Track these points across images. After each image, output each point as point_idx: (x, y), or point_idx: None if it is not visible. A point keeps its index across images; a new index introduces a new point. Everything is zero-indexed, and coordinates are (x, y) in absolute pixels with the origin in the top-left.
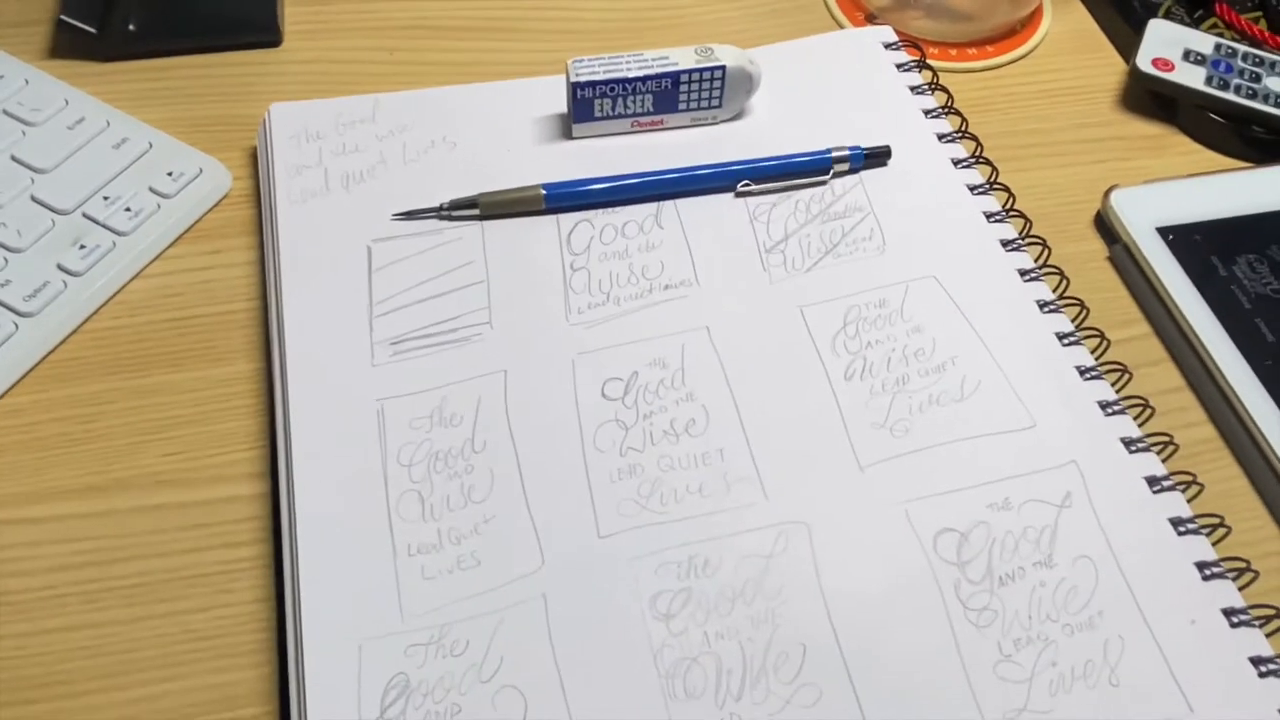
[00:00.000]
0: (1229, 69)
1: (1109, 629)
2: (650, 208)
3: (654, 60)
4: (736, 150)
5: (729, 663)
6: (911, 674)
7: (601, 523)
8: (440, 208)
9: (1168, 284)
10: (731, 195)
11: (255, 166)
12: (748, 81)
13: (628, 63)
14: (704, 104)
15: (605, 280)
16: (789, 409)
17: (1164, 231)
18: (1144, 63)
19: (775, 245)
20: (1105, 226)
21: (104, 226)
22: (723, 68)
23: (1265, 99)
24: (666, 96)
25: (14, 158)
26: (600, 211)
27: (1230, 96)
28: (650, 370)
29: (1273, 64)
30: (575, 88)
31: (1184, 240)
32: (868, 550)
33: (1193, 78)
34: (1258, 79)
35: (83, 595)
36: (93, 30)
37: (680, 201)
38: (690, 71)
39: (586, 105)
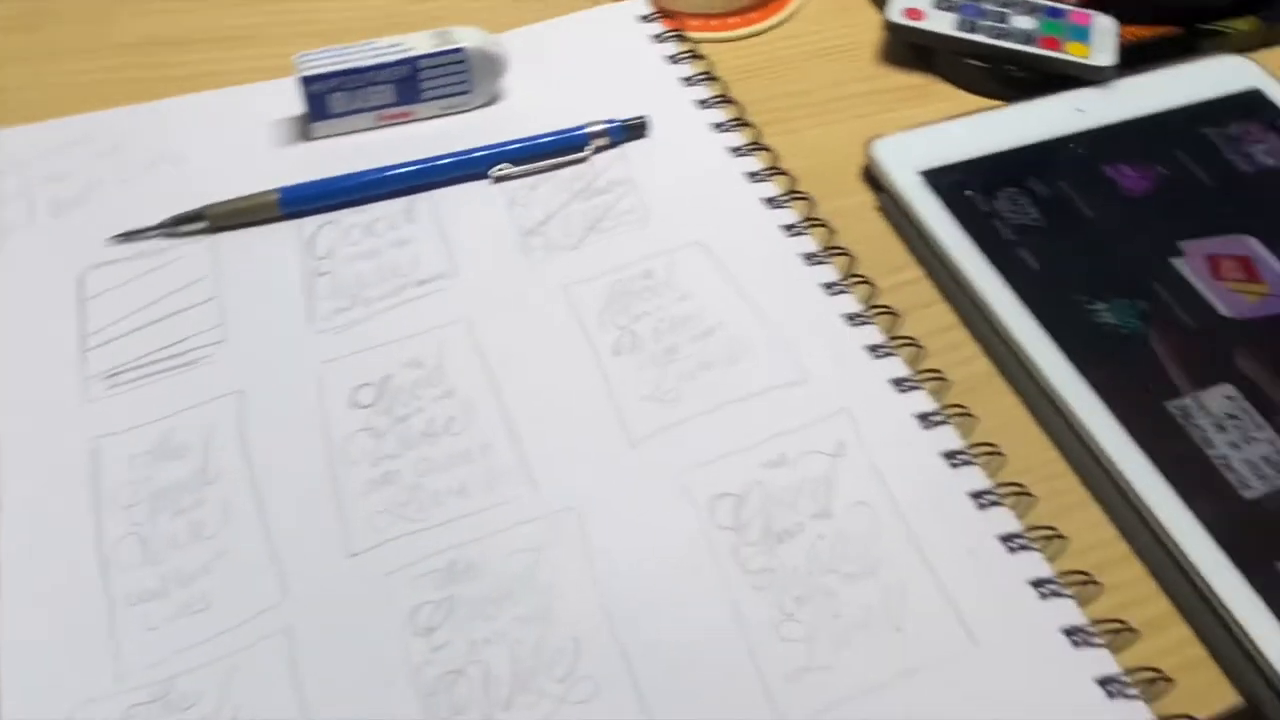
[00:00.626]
0: (977, 12)
1: (889, 573)
2: (401, 203)
3: (388, 48)
4: (494, 136)
5: (497, 670)
6: (691, 649)
7: (353, 540)
8: (162, 224)
9: (932, 225)
10: (488, 182)
11: None
12: (493, 63)
13: (359, 53)
14: (451, 90)
15: (353, 282)
16: (555, 393)
17: (925, 175)
18: (895, 14)
19: (536, 227)
20: (872, 177)
21: None
22: (462, 50)
23: (1013, 38)
24: (408, 85)
25: None
26: (347, 212)
27: (980, 39)
28: (405, 371)
29: (1017, 3)
30: (306, 83)
31: (945, 181)
32: (641, 528)
33: (943, 24)
34: (1004, 19)
35: None
36: None
37: (434, 193)
38: (428, 56)
39: (321, 101)
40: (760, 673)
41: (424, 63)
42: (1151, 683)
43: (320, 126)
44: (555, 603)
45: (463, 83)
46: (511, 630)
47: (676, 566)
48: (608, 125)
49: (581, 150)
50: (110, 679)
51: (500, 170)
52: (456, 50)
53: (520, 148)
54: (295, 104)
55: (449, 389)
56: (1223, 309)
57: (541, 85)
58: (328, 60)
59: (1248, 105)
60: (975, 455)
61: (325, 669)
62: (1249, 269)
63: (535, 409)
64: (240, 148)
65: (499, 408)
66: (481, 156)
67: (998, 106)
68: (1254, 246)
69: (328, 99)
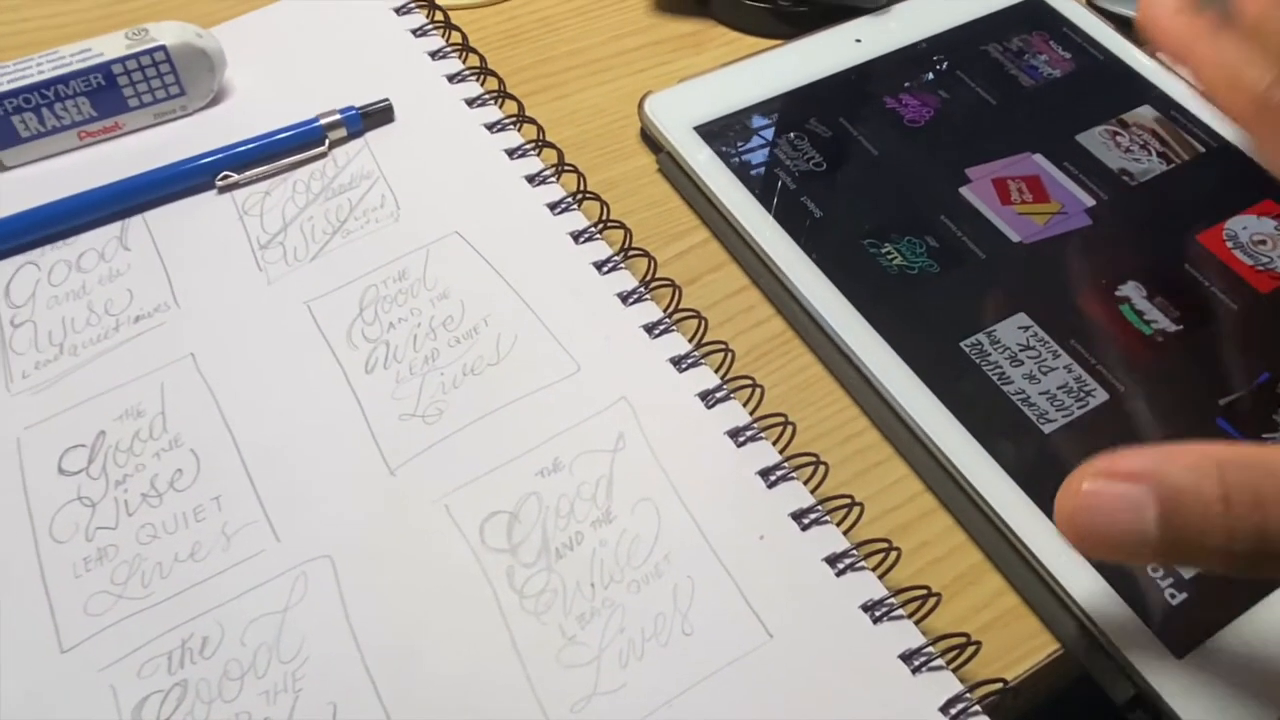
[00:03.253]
0: None
1: (677, 572)
2: (113, 229)
3: (74, 55)
4: (221, 140)
5: None
6: (465, 696)
7: (64, 633)
8: None
9: (711, 183)
10: (214, 193)
11: None
12: (204, 59)
13: (38, 65)
14: (162, 95)
15: (57, 330)
16: (301, 426)
17: (701, 129)
18: None
19: (273, 239)
20: (650, 137)
21: None
22: (163, 48)
23: None
24: (107, 95)
25: None
26: (49, 248)
27: None
28: (122, 424)
29: None
30: None
31: (721, 134)
32: (405, 567)
33: None
34: None
35: None
36: None
37: (150, 214)
38: (123, 60)
39: (6, 125)
40: (544, 710)
41: (120, 67)
42: (960, 650)
43: (10, 154)
44: (306, 668)
45: (173, 84)
46: (256, 708)
47: (446, 604)
48: (344, 114)
49: (318, 145)
50: None
51: (226, 178)
52: (157, 49)
53: (246, 150)
54: None
55: (174, 438)
56: (1013, 235)
57: (269, 78)
58: (2, 79)
59: (1029, 15)
60: (763, 429)
61: None
62: (1036, 188)
63: (277, 448)
64: None
65: (235, 452)
66: (201, 165)
67: (771, 46)
68: (1040, 163)
69: (12, 122)
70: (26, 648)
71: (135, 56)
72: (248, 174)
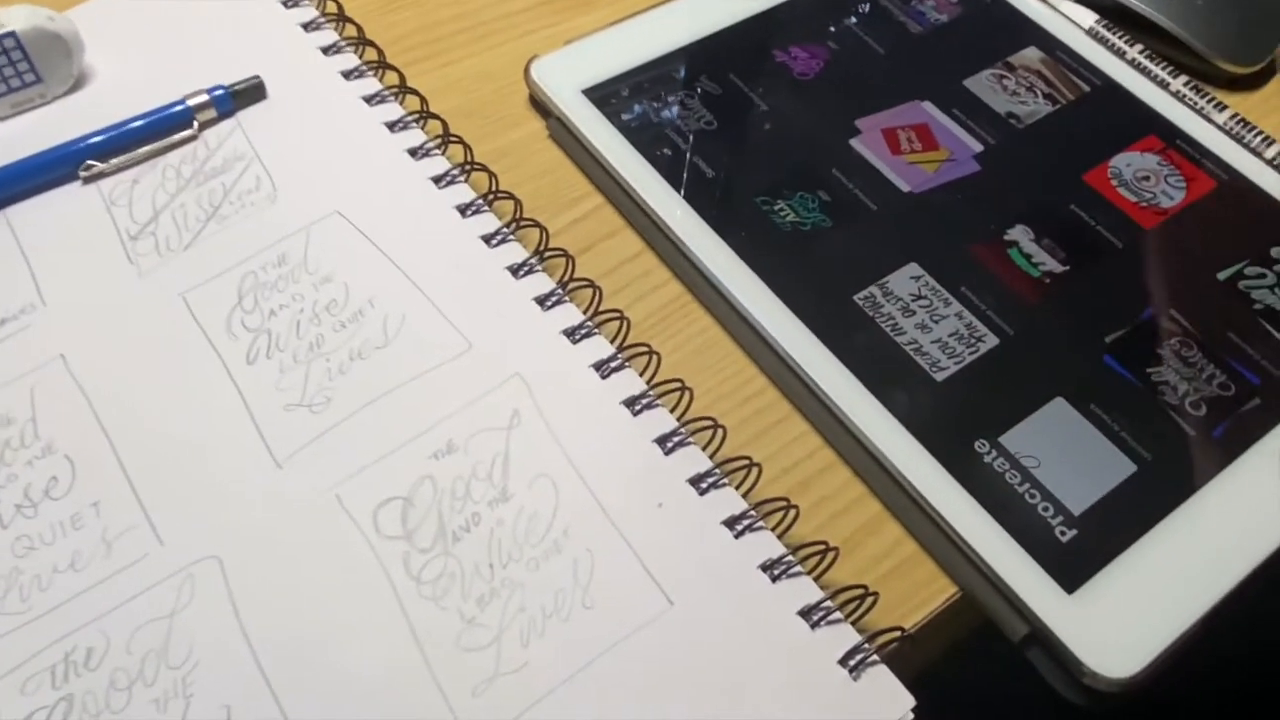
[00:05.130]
0: None
1: (576, 546)
2: None
3: None
4: (86, 128)
5: None
6: (365, 690)
7: None
8: None
9: (602, 147)
10: (79, 184)
11: None
12: (59, 43)
13: None
14: (16, 83)
15: None
16: (180, 424)
17: (589, 92)
18: None
19: (143, 229)
20: (539, 103)
21: None
22: (13, 34)
23: None
24: None
25: None
26: None
27: None
28: None
29: None
30: None
31: (610, 96)
32: (297, 562)
33: None
34: None
35: None
36: None
37: (10, 210)
38: None
39: None
40: (445, 695)
41: None
42: (859, 600)
43: None
44: (197, 673)
45: (27, 72)
46: (146, 717)
47: (341, 596)
48: (212, 93)
49: (186, 128)
50: None
51: (89, 168)
52: (6, 35)
53: (109, 137)
54: None
55: (47, 444)
56: (903, 185)
57: (133, 61)
58: None
59: None
60: (660, 395)
61: None
62: (925, 136)
63: (156, 448)
64: None
65: (112, 455)
66: (63, 154)
67: (663, 3)
68: (929, 110)
69: None
70: None
71: None
72: (113, 162)
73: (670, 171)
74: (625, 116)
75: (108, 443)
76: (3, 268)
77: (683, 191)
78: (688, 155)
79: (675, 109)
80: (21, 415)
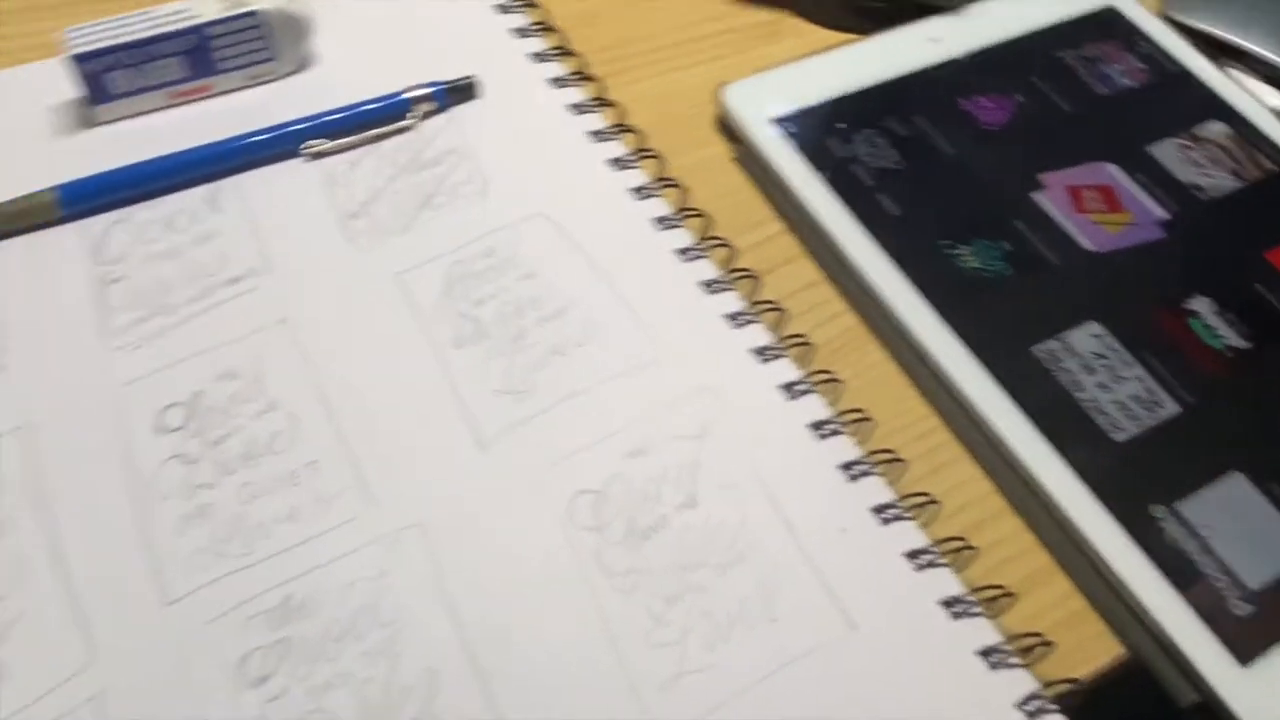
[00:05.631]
0: None
1: (761, 560)
2: (203, 191)
3: (170, 16)
4: (306, 107)
5: (343, 716)
6: (557, 669)
7: (168, 586)
8: None
9: (789, 175)
10: (301, 160)
11: None
12: (297, 26)
13: (136, 23)
14: (253, 59)
15: (153, 288)
16: (392, 396)
17: (780, 121)
18: None
19: (360, 209)
20: (727, 126)
21: None
22: (254, 13)
23: None
24: (200, 56)
25: None
26: (140, 207)
27: None
28: (219, 385)
29: None
30: (78, 61)
31: (800, 127)
32: (496, 539)
33: None
34: None
35: None
36: None
37: (240, 177)
38: (218, 23)
39: (100, 82)
40: (633, 686)
41: (214, 30)
42: (1032, 649)
43: (103, 110)
44: (404, 633)
45: (264, 49)
46: (357, 669)
47: (536, 578)
48: (432, 88)
49: (404, 118)
50: None
51: (313, 145)
52: (250, 14)
53: (335, 119)
54: (71, 86)
55: (270, 402)
56: (1086, 243)
57: (357, 47)
58: (100, 34)
59: (1104, 24)
60: (844, 424)
61: None
62: (1110, 198)
63: (370, 416)
64: (8, 140)
65: (328, 419)
66: (291, 132)
67: (852, 41)
68: (1113, 173)
69: (107, 78)
70: (132, 598)
71: (229, 20)
72: (335, 143)
73: (854, 206)
74: (813, 148)
75: (325, 407)
76: (235, 231)
77: (866, 227)
78: (872, 192)
79: (862, 146)
80: (247, 372)
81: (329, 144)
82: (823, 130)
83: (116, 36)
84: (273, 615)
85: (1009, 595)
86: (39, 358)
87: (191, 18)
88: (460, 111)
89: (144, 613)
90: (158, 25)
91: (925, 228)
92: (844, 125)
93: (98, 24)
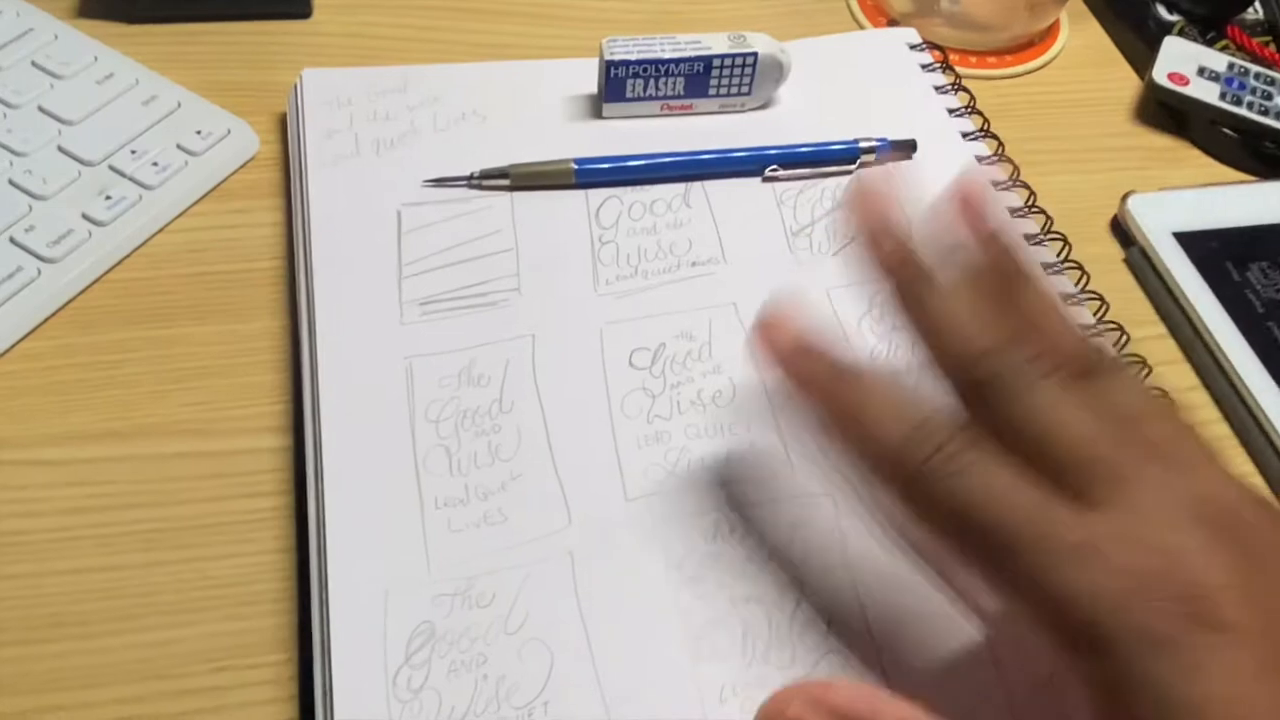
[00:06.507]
0: (1242, 86)
1: None
2: (678, 188)
3: (687, 44)
4: (762, 138)
5: (755, 626)
6: (934, 623)
7: (629, 485)
8: (471, 176)
9: (1184, 286)
10: (758, 180)
11: (281, 132)
12: (778, 70)
13: (662, 45)
14: (733, 90)
15: (634, 254)
16: None
17: (1180, 237)
18: (1160, 76)
19: (802, 229)
20: (1121, 230)
21: (130, 179)
22: (755, 55)
23: (1276, 116)
24: (698, 81)
25: (41, 108)
26: (629, 190)
27: (1243, 112)
28: (677, 342)
29: None
30: (609, 66)
31: (1199, 245)
32: None
33: (1207, 93)
34: (1269, 97)
35: (98, 539)
36: None
37: (708, 184)
38: (723, 57)
39: (619, 85)
40: None
41: (718, 62)
42: None
43: (612, 108)
44: (807, 578)
45: (745, 84)
46: (770, 595)
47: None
48: (878, 142)
49: (853, 162)
50: (423, 569)
51: (775, 170)
52: (751, 54)
53: (796, 152)
54: (590, 83)
55: (716, 365)
56: None
57: (812, 96)
58: (634, 48)
59: None
60: None
61: (602, 595)
62: None
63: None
64: (536, 116)
65: (764, 391)
66: (761, 155)
67: (1250, 179)
68: None
69: (625, 83)
70: (601, 487)
71: (732, 56)
72: (789, 172)
73: (1244, 326)
74: (1209, 266)
75: (764, 389)
76: (700, 224)
77: (1255, 349)
78: (1263, 319)
79: (1257, 274)
80: (700, 336)
81: (786, 172)
82: (1219, 253)
83: (644, 52)
84: (707, 533)
85: None
86: (547, 286)
87: (705, 49)
88: (895, 167)
89: (610, 502)
90: (679, 50)
91: None
92: (1242, 252)
93: (631, 40)
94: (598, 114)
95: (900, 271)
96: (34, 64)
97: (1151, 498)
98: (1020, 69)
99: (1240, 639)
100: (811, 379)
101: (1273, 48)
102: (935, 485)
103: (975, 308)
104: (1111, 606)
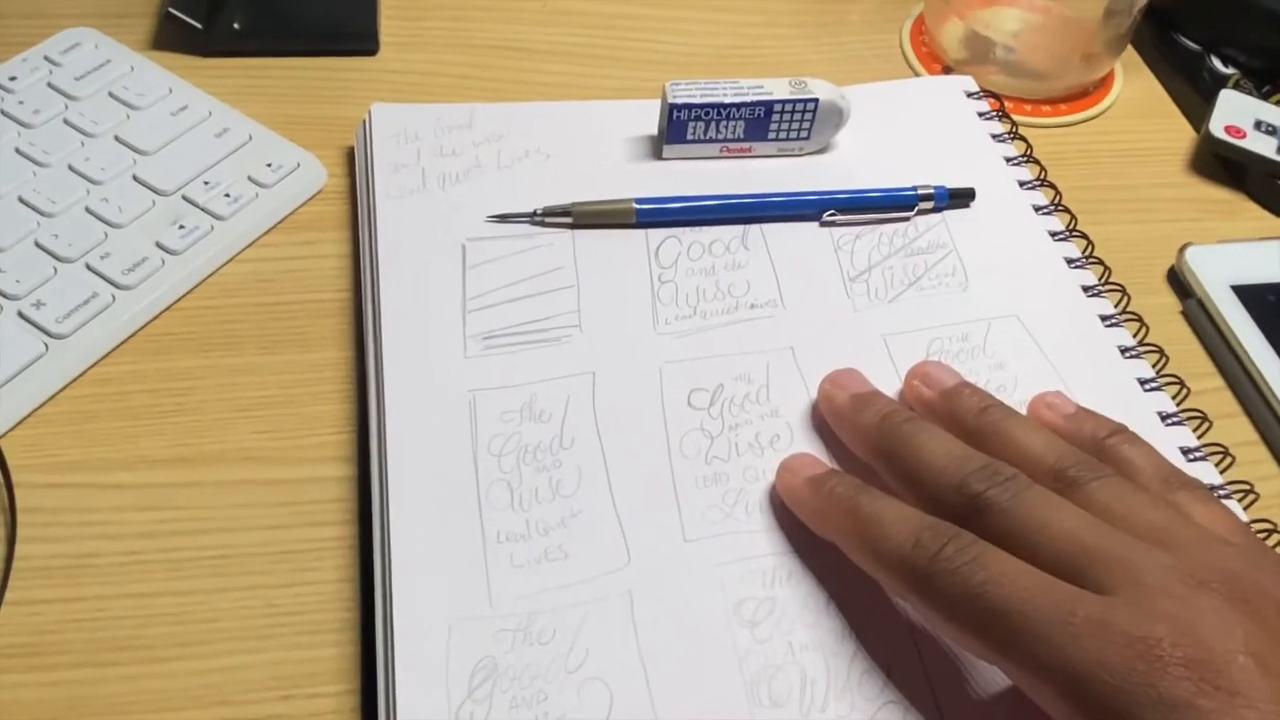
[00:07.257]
0: None
1: None
2: (737, 229)
3: (749, 88)
4: (819, 182)
5: (813, 674)
6: None
7: (687, 526)
8: (534, 213)
9: (1243, 339)
10: (816, 225)
11: (349, 165)
12: (837, 116)
13: (724, 89)
14: (792, 135)
15: (692, 295)
16: None
17: (1238, 289)
18: (1217, 129)
19: (859, 275)
20: (1178, 281)
21: (203, 209)
22: (815, 100)
23: None
24: (758, 124)
25: (118, 138)
26: (687, 230)
27: None
28: (735, 384)
29: None
30: (672, 109)
31: (1258, 298)
32: None
33: (1264, 146)
34: None
35: (167, 563)
36: (199, 25)
37: (766, 226)
38: (784, 102)
39: (680, 127)
40: None
41: (779, 106)
42: None
43: (672, 149)
44: (865, 625)
45: (805, 129)
46: (828, 642)
47: None
48: (936, 189)
49: (910, 209)
50: (485, 603)
51: (830, 215)
52: (811, 100)
53: (854, 198)
54: (650, 125)
55: (774, 408)
56: None
57: (868, 142)
58: (696, 91)
59: None
60: None
61: (661, 634)
62: None
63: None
64: (598, 156)
65: (820, 438)
66: (822, 199)
67: None
68: None
69: (687, 126)
70: (660, 527)
71: (793, 102)
72: (848, 217)
73: None
74: (1268, 319)
75: (811, 422)
76: (759, 266)
77: None
78: None
79: None
80: (758, 379)
81: (844, 216)
82: (1278, 306)
83: (707, 96)
84: (765, 577)
85: None
86: (608, 324)
87: (766, 94)
88: (951, 214)
89: (669, 542)
90: (740, 95)
91: None
92: None
93: (693, 83)
94: (658, 154)
95: (881, 427)
96: (111, 95)
97: (1154, 573)
98: (1074, 118)
99: (1250, 702)
100: (824, 512)
101: None
102: (947, 579)
103: (950, 443)
104: (1124, 675)
